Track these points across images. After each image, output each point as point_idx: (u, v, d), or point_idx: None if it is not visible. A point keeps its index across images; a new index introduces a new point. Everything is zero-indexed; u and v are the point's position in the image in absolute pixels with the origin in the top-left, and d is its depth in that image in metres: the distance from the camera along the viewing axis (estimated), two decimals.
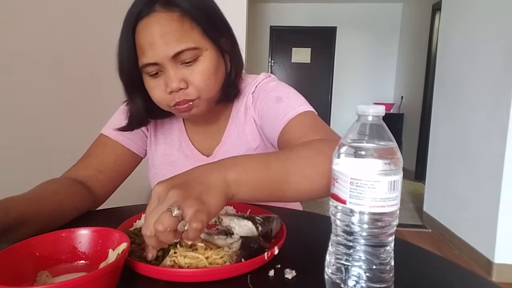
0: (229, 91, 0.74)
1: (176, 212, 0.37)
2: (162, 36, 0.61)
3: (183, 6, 0.63)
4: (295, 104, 0.69)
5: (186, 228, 0.38)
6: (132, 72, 0.66)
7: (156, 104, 0.70)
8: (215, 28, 0.67)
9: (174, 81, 0.63)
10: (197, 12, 0.64)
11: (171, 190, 0.40)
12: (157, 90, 0.66)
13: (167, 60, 0.62)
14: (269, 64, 5.55)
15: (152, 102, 0.70)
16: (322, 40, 5.47)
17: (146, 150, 0.85)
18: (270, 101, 0.72)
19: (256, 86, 0.78)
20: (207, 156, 0.81)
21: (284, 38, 5.50)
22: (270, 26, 5.49)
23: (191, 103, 0.66)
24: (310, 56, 5.53)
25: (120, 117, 0.80)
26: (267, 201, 0.50)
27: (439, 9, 3.12)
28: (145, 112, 0.73)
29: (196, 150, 0.81)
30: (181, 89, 0.64)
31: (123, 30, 0.64)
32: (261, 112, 0.75)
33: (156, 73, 0.65)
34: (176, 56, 0.62)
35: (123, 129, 0.75)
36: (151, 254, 0.44)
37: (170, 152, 0.83)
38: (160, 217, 0.37)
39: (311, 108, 0.70)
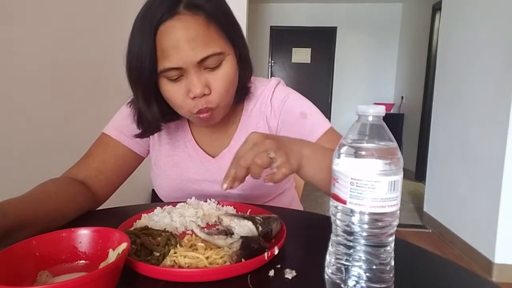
0: (242, 94, 0.75)
1: (272, 154, 0.49)
2: (189, 41, 0.59)
3: (208, 10, 0.61)
4: (320, 121, 0.75)
5: (274, 170, 0.50)
6: (151, 76, 0.63)
7: (171, 108, 0.68)
8: (234, 31, 0.67)
9: (199, 87, 0.61)
10: (221, 15, 0.63)
11: (267, 140, 0.51)
12: (178, 95, 0.64)
13: (192, 65, 0.61)
14: (269, 64, 5.55)
15: (167, 105, 0.68)
16: (322, 40, 5.47)
17: (148, 150, 0.84)
18: (295, 117, 0.76)
19: (272, 94, 0.78)
20: (213, 157, 0.80)
21: (284, 38, 5.50)
22: (270, 26, 5.49)
23: (212, 112, 0.66)
24: (310, 56, 5.52)
25: (122, 117, 0.79)
26: (320, 186, 0.58)
27: (439, 9, 3.12)
28: (161, 118, 0.70)
29: (202, 150, 0.80)
30: (204, 95, 0.63)
31: (142, 32, 0.60)
32: (283, 128, 0.77)
33: (177, 78, 0.63)
34: (201, 62, 0.61)
35: (140, 136, 0.74)
36: (228, 184, 0.51)
37: (174, 153, 0.82)
38: (261, 155, 0.49)
39: (330, 124, 0.75)
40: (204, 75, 0.63)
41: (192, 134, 0.82)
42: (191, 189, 0.80)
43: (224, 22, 0.63)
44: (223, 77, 0.64)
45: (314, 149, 0.57)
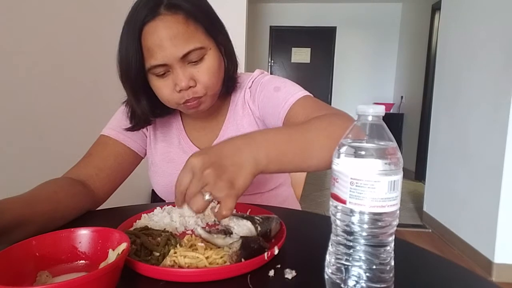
0: (229, 84, 0.78)
1: (207, 197, 0.43)
2: (171, 38, 0.63)
3: (186, 8, 0.65)
4: (293, 90, 0.72)
5: (216, 210, 0.44)
6: (139, 74, 0.68)
7: (159, 103, 0.72)
8: (214, 27, 0.71)
9: (183, 80, 0.66)
10: (199, 13, 0.67)
11: (206, 170, 0.43)
12: (166, 90, 0.68)
13: (176, 61, 0.65)
14: (269, 64, 5.55)
15: (156, 101, 0.72)
16: (322, 40, 5.47)
17: (146, 150, 0.86)
18: (269, 91, 0.76)
19: (252, 81, 0.81)
20: None
21: (284, 38, 5.50)
22: (270, 26, 5.49)
23: (199, 99, 0.70)
24: (310, 56, 5.53)
25: (120, 118, 0.81)
26: (291, 170, 0.55)
27: (439, 9, 3.12)
28: (150, 112, 0.75)
29: (194, 146, 0.83)
30: (190, 87, 0.67)
31: (128, 34, 0.65)
32: (261, 104, 0.78)
33: (164, 74, 0.67)
34: (184, 57, 0.65)
35: (130, 129, 0.77)
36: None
37: (169, 150, 0.84)
38: (194, 200, 0.44)
39: (309, 93, 0.73)
40: (189, 69, 0.67)
41: (185, 131, 0.85)
42: None
43: (203, 19, 0.68)
44: (206, 69, 0.68)
45: (272, 142, 0.51)
